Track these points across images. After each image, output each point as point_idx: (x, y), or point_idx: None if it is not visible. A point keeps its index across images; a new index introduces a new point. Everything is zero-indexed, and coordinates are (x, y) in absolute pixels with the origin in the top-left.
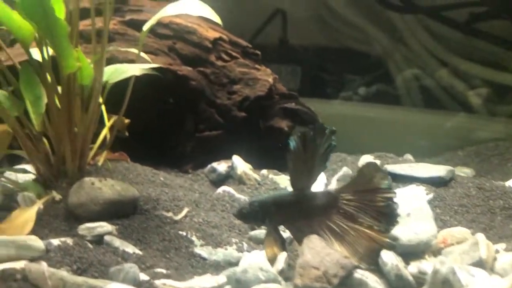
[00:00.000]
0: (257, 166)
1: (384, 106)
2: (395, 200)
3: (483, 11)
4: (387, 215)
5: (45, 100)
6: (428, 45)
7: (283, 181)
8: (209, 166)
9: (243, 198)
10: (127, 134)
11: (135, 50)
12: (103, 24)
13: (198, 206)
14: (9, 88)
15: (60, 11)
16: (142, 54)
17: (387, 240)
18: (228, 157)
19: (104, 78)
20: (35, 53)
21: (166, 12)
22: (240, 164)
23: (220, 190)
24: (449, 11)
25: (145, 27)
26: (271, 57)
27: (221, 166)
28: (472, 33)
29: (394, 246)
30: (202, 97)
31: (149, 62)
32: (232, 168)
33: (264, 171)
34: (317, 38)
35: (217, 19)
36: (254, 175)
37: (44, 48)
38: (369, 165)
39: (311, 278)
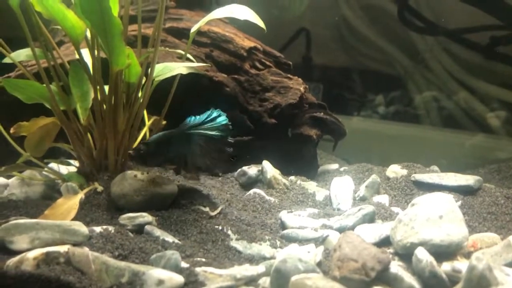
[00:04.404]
0: (284, 172)
1: (405, 124)
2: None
3: (504, 34)
4: None
5: (92, 95)
6: (448, 66)
7: (311, 187)
8: (239, 169)
9: (273, 200)
10: None
11: (181, 52)
12: (155, 29)
13: (231, 205)
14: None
15: (115, 11)
16: (188, 56)
17: None
18: (256, 161)
19: (154, 75)
20: (85, 53)
21: (214, 15)
22: (270, 169)
23: (251, 191)
24: (470, 34)
25: (193, 29)
26: (294, 74)
27: (251, 170)
28: (492, 56)
29: None
30: (235, 103)
31: (194, 63)
32: (262, 172)
33: (292, 177)
34: (339, 58)
35: (261, 24)
36: (283, 180)
37: (94, 47)
38: None
39: (350, 270)
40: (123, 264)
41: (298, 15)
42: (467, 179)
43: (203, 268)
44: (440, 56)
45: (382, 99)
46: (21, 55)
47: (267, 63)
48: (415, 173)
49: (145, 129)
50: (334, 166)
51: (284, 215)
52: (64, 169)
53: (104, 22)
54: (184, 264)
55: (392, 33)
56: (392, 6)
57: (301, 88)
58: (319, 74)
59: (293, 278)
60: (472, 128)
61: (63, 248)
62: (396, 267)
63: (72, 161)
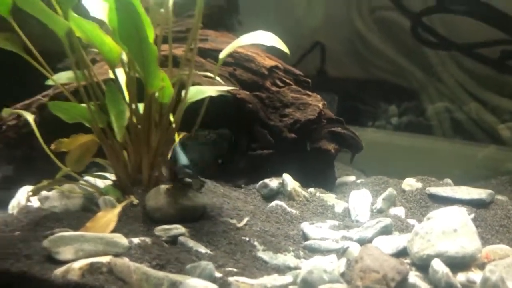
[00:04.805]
0: (304, 184)
1: (418, 136)
2: None
3: None
4: None
5: (127, 114)
6: (460, 79)
7: (330, 199)
8: (261, 182)
9: (294, 211)
10: None
11: (211, 75)
12: (188, 52)
13: (255, 216)
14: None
15: (151, 38)
16: (217, 78)
17: None
18: (277, 174)
19: (188, 97)
20: (119, 73)
21: (241, 42)
22: (290, 182)
23: (273, 203)
24: (482, 49)
25: (222, 55)
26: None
27: (272, 183)
28: (503, 69)
29: None
30: (256, 118)
31: (223, 86)
32: (282, 185)
33: (312, 189)
34: (354, 70)
35: (285, 49)
36: (303, 192)
37: (130, 69)
38: None
39: (372, 280)
40: (161, 274)
41: (313, 29)
42: (480, 193)
43: (235, 277)
44: (452, 69)
45: (395, 110)
46: (62, 77)
47: (287, 80)
48: (429, 186)
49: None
50: (351, 178)
51: (305, 226)
52: (99, 183)
53: (142, 49)
54: (217, 274)
55: (405, 46)
56: (405, 20)
57: (320, 105)
58: (334, 86)
59: None
60: (484, 139)
61: (105, 259)
62: (414, 278)
63: (107, 175)
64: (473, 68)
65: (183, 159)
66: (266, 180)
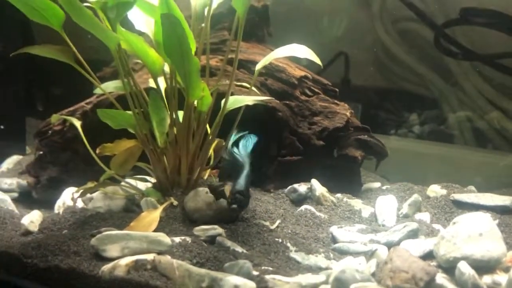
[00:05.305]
0: (331, 190)
1: (440, 143)
2: None
3: None
4: None
5: (168, 121)
6: (481, 88)
7: (357, 204)
8: (290, 187)
9: (323, 216)
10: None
11: (247, 85)
12: (225, 63)
13: (286, 219)
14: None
15: (193, 50)
16: (253, 88)
17: None
18: (305, 180)
19: (228, 106)
20: (161, 83)
21: (277, 54)
22: (318, 187)
23: (303, 208)
24: (504, 59)
25: (258, 66)
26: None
27: (301, 188)
28: None
29: None
30: (286, 126)
31: (259, 96)
32: (311, 190)
33: (339, 195)
34: (377, 80)
35: (318, 61)
36: (330, 197)
37: (172, 80)
38: None
39: (401, 280)
40: (203, 271)
41: (337, 39)
42: (504, 200)
43: (272, 275)
44: (474, 79)
45: (417, 119)
46: (109, 87)
47: (316, 90)
48: (453, 193)
49: (210, 150)
50: (377, 184)
51: (334, 230)
52: (140, 185)
53: (184, 61)
54: (254, 272)
55: (428, 56)
56: (427, 31)
57: (347, 113)
58: (357, 95)
59: (352, 286)
60: (506, 148)
61: (149, 256)
62: (441, 279)
63: (148, 178)
64: (495, 78)
65: (241, 183)
66: (295, 185)
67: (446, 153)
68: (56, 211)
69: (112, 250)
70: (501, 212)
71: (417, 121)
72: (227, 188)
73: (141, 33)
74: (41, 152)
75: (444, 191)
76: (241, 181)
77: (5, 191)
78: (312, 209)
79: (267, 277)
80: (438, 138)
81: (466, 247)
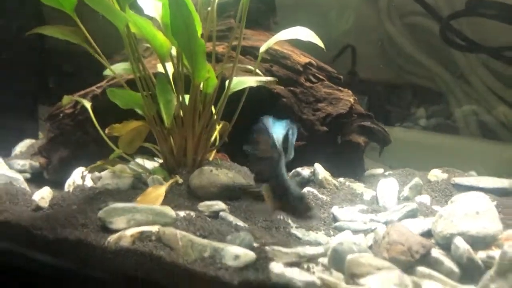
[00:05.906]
0: (334, 175)
1: (445, 135)
2: None
3: None
4: None
5: (174, 103)
6: (487, 81)
7: (359, 188)
8: (293, 170)
9: (325, 198)
10: (227, 139)
11: (251, 67)
12: (230, 49)
13: None
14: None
15: (199, 32)
16: (257, 71)
17: None
18: (309, 164)
19: (232, 87)
20: (168, 66)
21: (281, 37)
22: (321, 171)
23: (305, 190)
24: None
25: (262, 49)
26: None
27: (304, 171)
28: None
29: None
30: (290, 112)
31: (262, 77)
32: (314, 173)
33: (341, 179)
34: (383, 73)
35: (321, 44)
36: (333, 181)
37: (178, 63)
38: None
39: (397, 252)
40: (205, 241)
41: (344, 32)
42: (503, 182)
43: (271, 247)
44: (480, 71)
45: (423, 112)
46: (118, 68)
47: (321, 77)
48: (454, 177)
49: (215, 133)
50: (379, 170)
51: (335, 210)
52: (148, 164)
53: (190, 42)
54: (255, 244)
55: (434, 49)
56: (434, 25)
57: (351, 99)
58: (364, 87)
59: (349, 257)
60: (510, 139)
61: (154, 228)
62: (437, 253)
63: (155, 158)
64: (502, 70)
65: (296, 190)
66: (298, 169)
67: (449, 143)
68: (66, 189)
69: (118, 222)
70: (500, 194)
71: (424, 114)
72: (266, 192)
73: (150, 18)
74: (52, 135)
75: (445, 175)
76: (292, 184)
77: (18, 171)
78: (315, 191)
79: (267, 248)
80: (444, 131)
81: (462, 224)
